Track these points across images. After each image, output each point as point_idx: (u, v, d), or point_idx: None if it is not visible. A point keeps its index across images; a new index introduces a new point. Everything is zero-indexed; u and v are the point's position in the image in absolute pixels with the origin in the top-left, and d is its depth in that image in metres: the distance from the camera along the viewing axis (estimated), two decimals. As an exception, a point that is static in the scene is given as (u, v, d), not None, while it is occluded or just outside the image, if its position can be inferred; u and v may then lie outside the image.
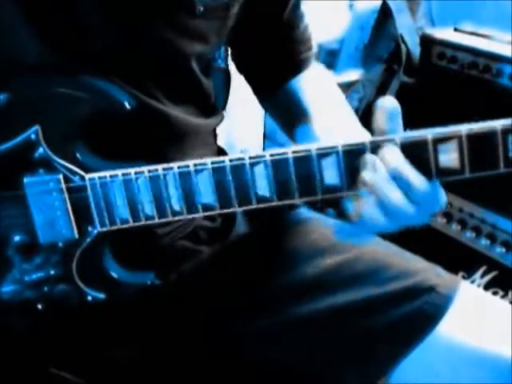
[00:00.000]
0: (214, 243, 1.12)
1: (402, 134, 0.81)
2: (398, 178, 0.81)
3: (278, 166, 0.84)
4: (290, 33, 1.15)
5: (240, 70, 1.21)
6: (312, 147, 0.83)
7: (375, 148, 0.82)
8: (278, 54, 1.16)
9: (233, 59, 1.20)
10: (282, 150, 0.84)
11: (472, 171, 0.80)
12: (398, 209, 0.82)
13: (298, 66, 1.18)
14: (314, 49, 1.20)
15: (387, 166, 0.81)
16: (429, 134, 0.80)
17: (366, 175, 0.82)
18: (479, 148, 0.78)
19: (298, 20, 1.16)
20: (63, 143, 0.90)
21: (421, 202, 0.82)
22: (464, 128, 0.78)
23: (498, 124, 0.78)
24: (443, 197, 0.85)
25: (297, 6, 1.15)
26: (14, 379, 1.04)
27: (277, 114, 1.24)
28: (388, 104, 0.81)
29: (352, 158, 0.83)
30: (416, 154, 0.80)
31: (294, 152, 0.84)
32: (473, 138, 0.78)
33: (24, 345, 1.03)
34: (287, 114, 1.17)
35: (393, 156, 0.81)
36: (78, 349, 1.07)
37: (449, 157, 0.79)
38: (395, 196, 0.81)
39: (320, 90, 1.17)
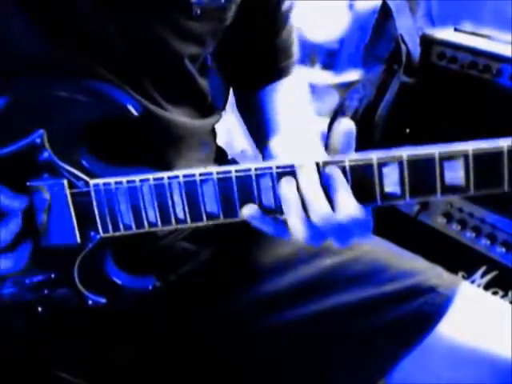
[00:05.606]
0: (214, 244, 1.12)
1: (411, 152, 0.79)
2: (306, 204, 0.81)
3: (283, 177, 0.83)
4: (269, 38, 1.14)
5: (221, 69, 1.20)
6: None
7: (280, 174, 0.82)
8: (255, 60, 1.15)
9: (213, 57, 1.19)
10: (285, 163, 0.83)
11: (477, 189, 0.79)
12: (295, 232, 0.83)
13: (274, 74, 1.18)
14: (296, 55, 1.19)
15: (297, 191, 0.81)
16: (436, 151, 0.78)
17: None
18: (485, 166, 0.78)
19: (279, 23, 1.14)
20: (67, 148, 0.89)
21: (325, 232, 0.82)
22: (471, 146, 0.78)
23: (505, 143, 0.77)
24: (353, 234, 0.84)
25: (278, 6, 1.12)
26: (15, 380, 1.04)
27: (246, 121, 1.24)
28: (344, 126, 0.81)
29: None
30: (422, 171, 0.79)
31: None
32: (479, 156, 0.77)
33: (25, 346, 1.03)
34: (254, 125, 1.18)
35: (303, 181, 0.81)
36: (79, 350, 1.07)
37: (454, 175, 0.79)
38: (293, 220, 0.82)
39: (288, 105, 1.16)
